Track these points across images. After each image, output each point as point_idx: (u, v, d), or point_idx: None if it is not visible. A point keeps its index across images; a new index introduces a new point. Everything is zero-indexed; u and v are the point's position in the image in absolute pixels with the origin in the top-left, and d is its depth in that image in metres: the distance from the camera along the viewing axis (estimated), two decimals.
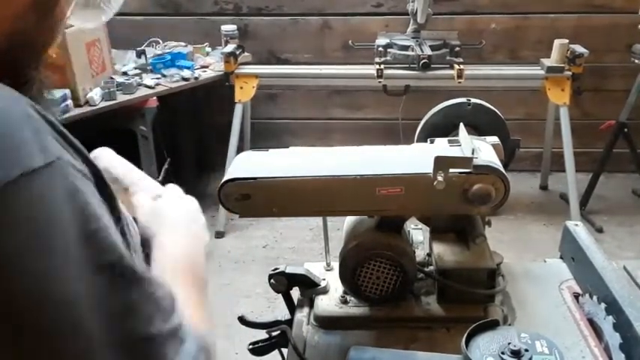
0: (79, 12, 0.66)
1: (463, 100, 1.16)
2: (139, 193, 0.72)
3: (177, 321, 0.49)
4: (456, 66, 2.73)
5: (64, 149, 0.44)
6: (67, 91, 2.39)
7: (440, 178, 0.84)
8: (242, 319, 0.99)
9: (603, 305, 0.89)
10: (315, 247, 2.78)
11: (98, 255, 0.43)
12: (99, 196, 0.46)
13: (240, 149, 2.82)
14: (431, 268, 1.01)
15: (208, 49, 3.17)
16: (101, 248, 0.43)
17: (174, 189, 0.75)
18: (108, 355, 0.42)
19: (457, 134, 1.02)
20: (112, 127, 2.57)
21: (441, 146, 0.97)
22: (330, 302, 0.99)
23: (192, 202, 0.74)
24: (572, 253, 1.06)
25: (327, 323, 0.97)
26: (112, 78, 2.69)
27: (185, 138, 3.18)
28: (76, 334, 0.41)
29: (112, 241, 0.44)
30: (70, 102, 2.41)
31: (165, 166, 2.88)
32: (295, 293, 1.04)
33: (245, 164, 0.93)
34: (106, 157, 0.75)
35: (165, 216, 0.69)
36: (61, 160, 0.42)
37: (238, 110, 2.92)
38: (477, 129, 1.13)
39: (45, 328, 0.40)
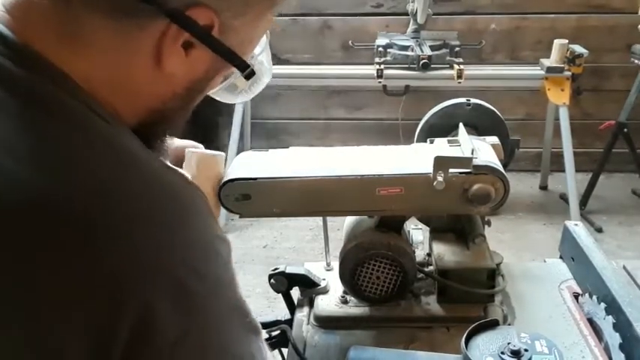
0: (222, 93, 0.71)
1: (463, 100, 1.16)
2: None
3: None
4: (456, 66, 2.73)
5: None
6: None
7: (440, 178, 0.84)
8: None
9: (603, 305, 0.89)
10: (315, 247, 2.78)
11: (244, 320, 0.56)
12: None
13: (240, 149, 2.82)
14: (431, 268, 1.01)
15: None
16: (244, 315, 0.57)
17: None
18: None
19: (457, 134, 1.02)
20: None
21: (441, 146, 0.97)
22: (330, 302, 0.99)
23: None
24: (572, 253, 1.06)
25: (327, 323, 0.97)
26: None
27: (185, 138, 3.17)
28: None
29: (246, 307, 0.57)
30: None
31: None
32: (295, 293, 1.04)
33: (245, 164, 0.93)
34: None
35: None
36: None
37: (238, 110, 2.92)
38: (477, 129, 1.14)
39: None
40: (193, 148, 0.92)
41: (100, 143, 0.51)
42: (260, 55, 0.74)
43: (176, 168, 0.58)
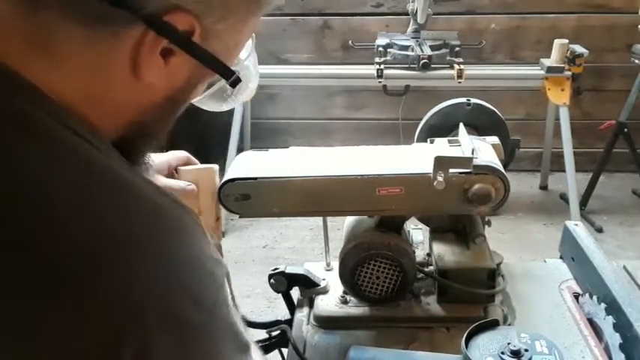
0: (205, 100, 0.69)
1: (463, 100, 1.16)
2: None
3: None
4: (456, 66, 2.73)
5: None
6: None
7: (440, 178, 0.84)
8: (242, 319, 0.99)
9: (603, 305, 0.89)
10: (315, 247, 2.78)
11: (236, 340, 0.54)
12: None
13: (240, 149, 2.82)
14: (431, 268, 1.01)
15: None
16: (236, 335, 0.54)
17: None
18: None
19: (457, 134, 1.02)
20: None
21: (441, 146, 0.97)
22: (330, 302, 0.99)
23: None
24: (572, 253, 1.06)
25: (327, 323, 0.97)
26: None
27: (185, 138, 3.18)
28: None
29: (237, 326, 0.55)
30: None
31: None
32: (295, 293, 1.04)
33: (245, 164, 0.93)
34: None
35: None
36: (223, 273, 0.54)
37: (238, 110, 2.92)
38: (477, 129, 1.14)
39: None
40: (183, 164, 0.92)
41: (78, 165, 0.46)
42: (246, 60, 0.71)
43: (164, 188, 0.54)
